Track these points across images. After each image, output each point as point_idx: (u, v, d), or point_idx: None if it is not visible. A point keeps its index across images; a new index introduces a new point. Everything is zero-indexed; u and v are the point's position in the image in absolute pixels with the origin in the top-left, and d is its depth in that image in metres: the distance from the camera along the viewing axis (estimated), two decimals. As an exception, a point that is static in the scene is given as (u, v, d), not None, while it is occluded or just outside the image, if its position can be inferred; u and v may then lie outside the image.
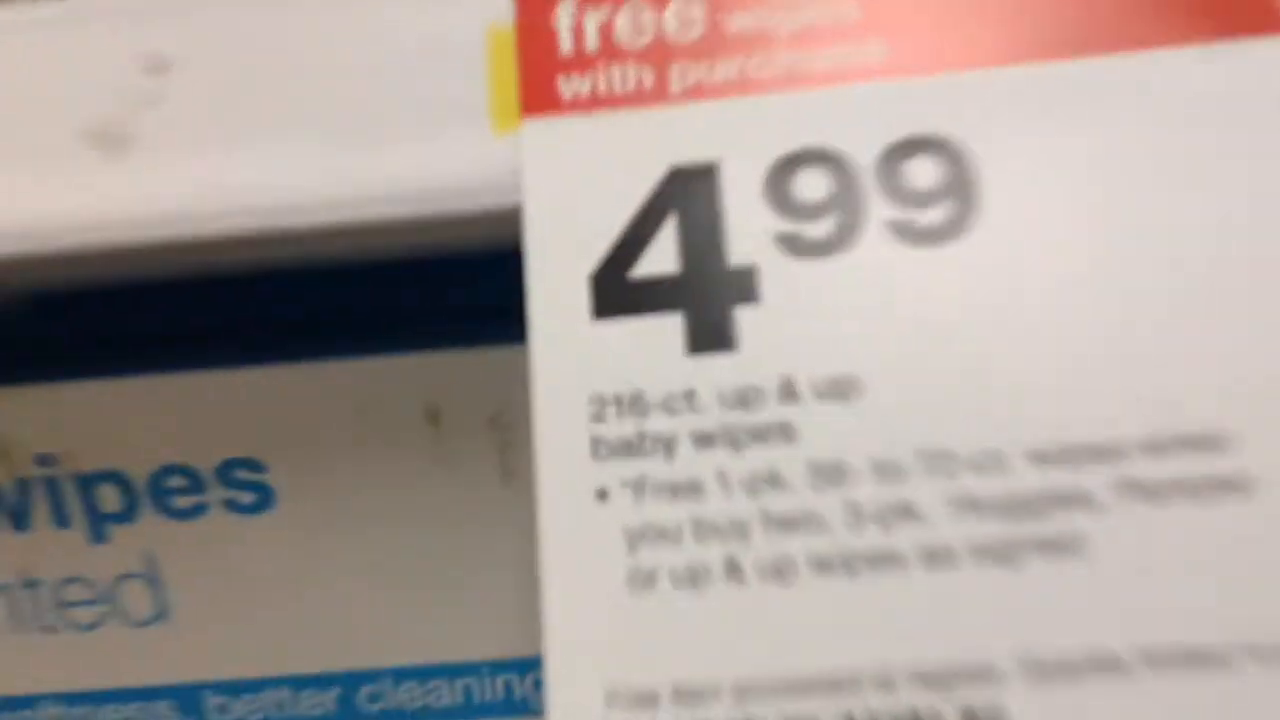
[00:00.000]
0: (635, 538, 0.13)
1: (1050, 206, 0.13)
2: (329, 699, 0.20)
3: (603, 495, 0.13)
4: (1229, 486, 0.12)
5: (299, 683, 0.20)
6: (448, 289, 0.18)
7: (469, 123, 0.15)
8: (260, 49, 0.15)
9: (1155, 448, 0.12)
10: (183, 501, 0.19)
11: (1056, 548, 0.12)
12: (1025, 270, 0.13)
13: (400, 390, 0.18)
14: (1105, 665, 0.12)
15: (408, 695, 0.20)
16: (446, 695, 0.20)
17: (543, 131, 0.14)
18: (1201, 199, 0.13)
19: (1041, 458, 0.12)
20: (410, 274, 0.18)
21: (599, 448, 0.13)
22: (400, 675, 0.20)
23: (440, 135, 0.15)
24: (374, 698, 0.20)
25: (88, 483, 0.19)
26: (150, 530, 0.19)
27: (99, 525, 0.19)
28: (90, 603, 0.20)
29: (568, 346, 0.13)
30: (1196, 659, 0.12)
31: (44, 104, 0.15)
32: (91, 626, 0.20)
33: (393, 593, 0.20)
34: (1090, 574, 0.12)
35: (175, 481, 0.19)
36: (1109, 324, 0.13)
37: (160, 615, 0.20)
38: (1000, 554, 0.12)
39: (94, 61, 0.15)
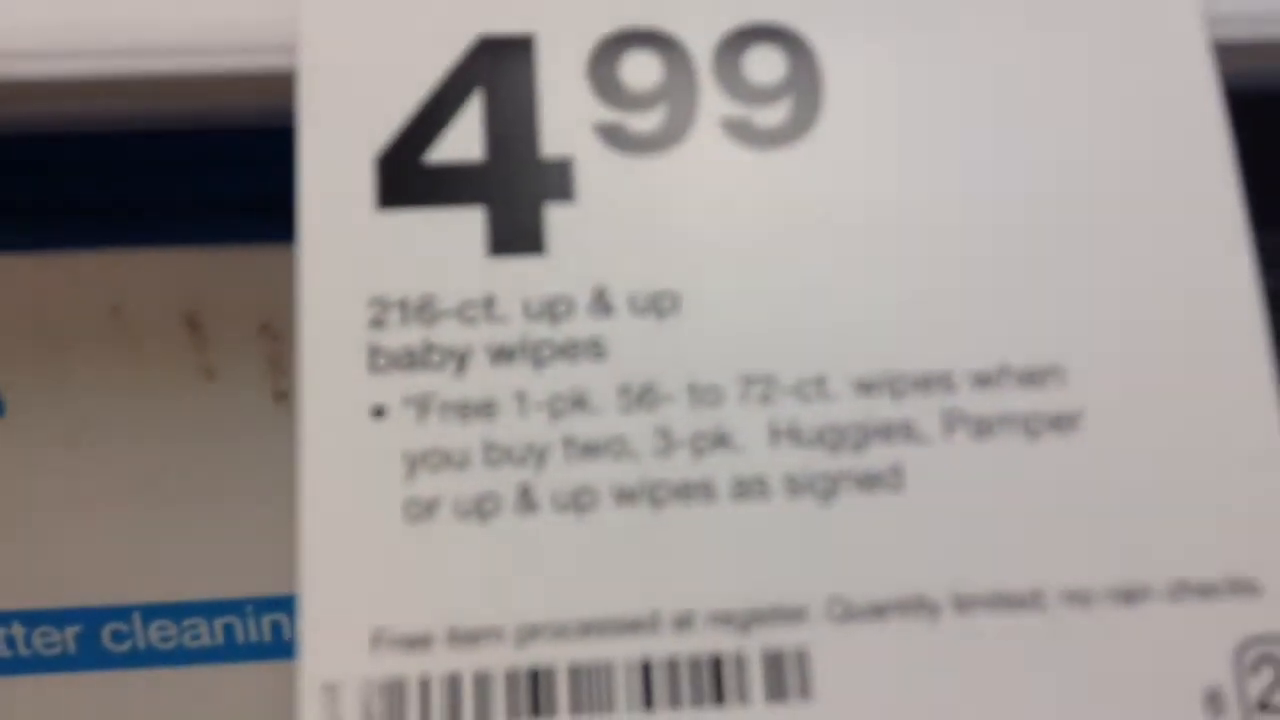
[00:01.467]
0: (415, 462, 0.11)
1: (895, 115, 0.12)
2: (67, 637, 0.18)
3: (379, 413, 0.11)
4: (1058, 422, 0.11)
5: (31, 618, 0.18)
6: (212, 175, 0.15)
7: (240, -34, 0.12)
8: None
9: (985, 380, 0.11)
10: (-112, 407, 0.16)
11: (875, 482, 0.11)
12: (866, 185, 0.12)
13: (154, 289, 0.16)
14: (915, 607, 0.11)
15: (159, 634, 0.18)
16: (205, 635, 0.18)
17: (329, -15, 0.12)
18: (1046, 122, 0.12)
19: (866, 386, 0.11)
20: (167, 155, 0.15)
21: (377, 358, 0.11)
22: (151, 613, 0.18)
23: (204, -21, 0.12)
24: (119, 637, 0.18)
25: None
26: None
27: None
28: None
29: (345, 239, 0.11)
30: (1008, 602, 0.11)
31: None
32: None
33: (143, 521, 0.17)
34: (907, 512, 0.11)
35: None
36: (947, 248, 0.12)
37: None
38: (816, 487, 0.11)
39: None
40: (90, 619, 0.18)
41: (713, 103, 0.12)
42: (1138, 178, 0.12)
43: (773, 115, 0.12)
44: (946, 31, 0.12)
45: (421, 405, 0.11)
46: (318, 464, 0.11)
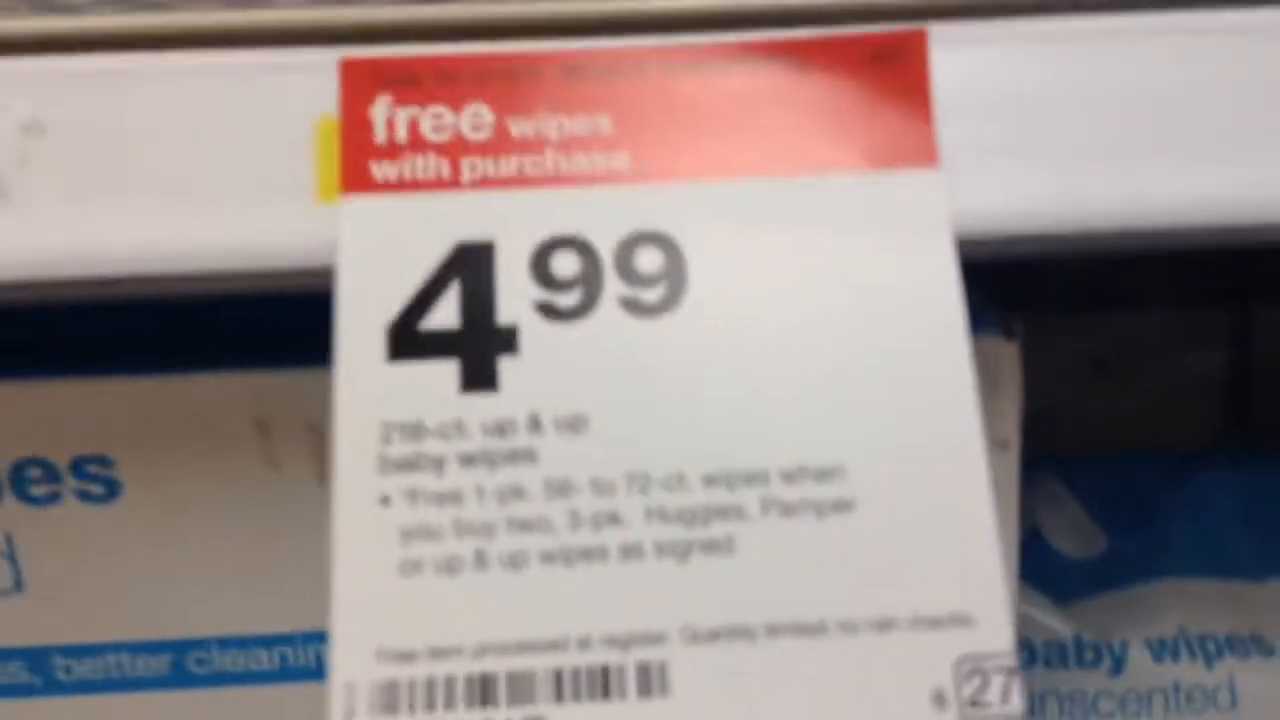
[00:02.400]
0: (408, 535, 0.17)
1: (738, 291, 0.18)
2: (163, 662, 0.23)
3: (385, 501, 0.17)
4: (838, 506, 0.17)
5: (136, 648, 0.23)
6: (277, 319, 0.21)
7: (297, 196, 0.18)
8: (125, 122, 0.18)
9: (790, 476, 0.17)
10: (38, 490, 0.22)
11: (715, 547, 0.16)
12: (715, 339, 0.17)
13: (234, 403, 0.22)
14: (741, 633, 0.16)
15: (230, 660, 0.23)
16: (265, 661, 0.23)
17: (357, 206, 0.18)
18: (849, 290, 0.17)
19: (711, 480, 0.17)
20: (248, 308, 0.21)
21: (385, 464, 0.17)
22: (225, 643, 0.23)
23: (272, 204, 0.18)
24: (201, 662, 0.23)
25: (-46, 471, 0.22)
26: (9, 514, 0.22)
27: (-38, 508, 0.22)
28: (-49, 574, 0.22)
29: (365, 382, 0.17)
30: (803, 630, 0.16)
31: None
32: (-48, 595, 0.22)
33: (220, 572, 0.23)
34: (738, 568, 0.16)
35: (33, 473, 0.22)
36: (769, 381, 0.17)
37: (16, 587, 0.23)
38: (675, 550, 0.16)
39: (-21, 121, 0.18)
40: (179, 648, 0.23)
41: (613, 286, 0.18)
42: (894, 335, 0.17)
43: (654, 294, 0.18)
44: (775, 233, 0.18)
45: (413, 496, 0.17)
46: (344, 537, 0.16)
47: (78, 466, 0.22)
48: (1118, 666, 0.30)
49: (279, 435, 0.22)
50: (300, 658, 0.23)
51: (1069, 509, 0.33)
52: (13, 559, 0.23)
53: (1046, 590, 0.31)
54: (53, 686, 0.23)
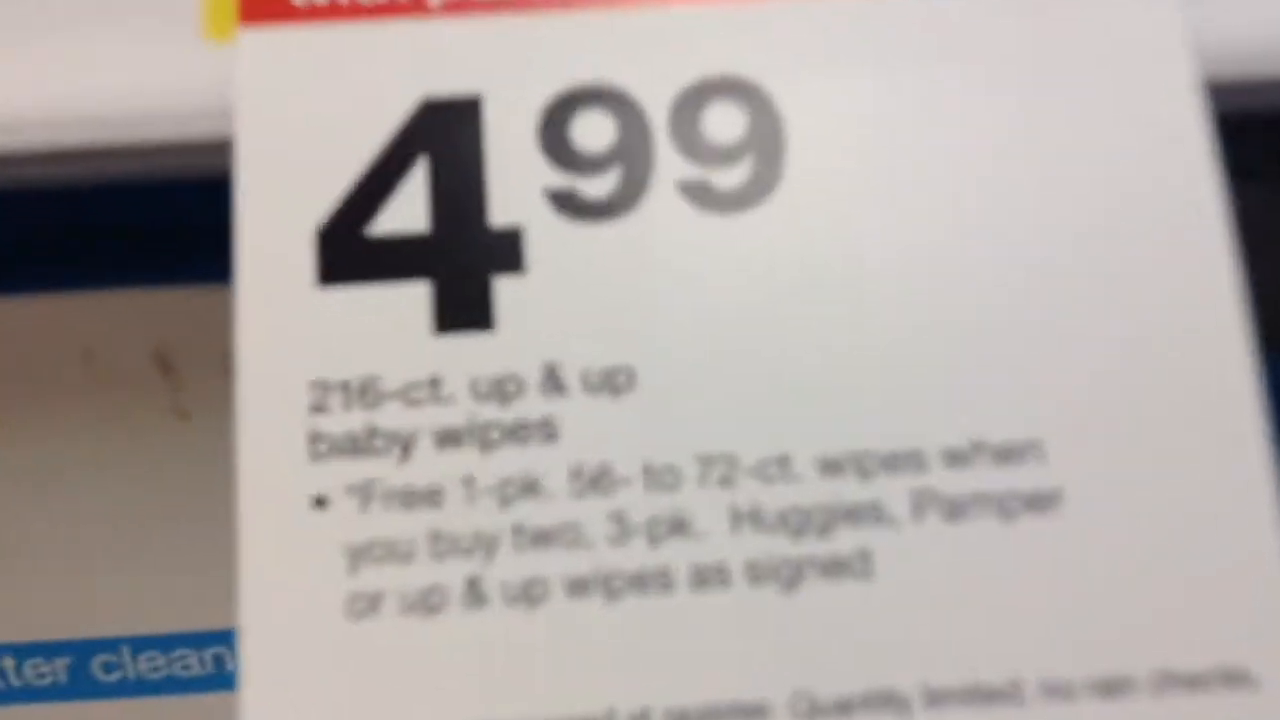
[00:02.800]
0: (358, 555, 0.11)
1: (864, 172, 0.11)
2: (59, 668, 0.18)
3: (320, 502, 0.11)
4: (1035, 502, 0.11)
5: (24, 651, 0.18)
6: (177, 213, 0.15)
7: (173, 28, 0.12)
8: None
9: (958, 457, 0.11)
10: None
11: (841, 569, 0.11)
12: (831, 250, 0.11)
13: (124, 331, 0.16)
14: (884, 702, 0.10)
15: (148, 665, 0.18)
16: (195, 665, 0.18)
17: (264, 43, 0.12)
18: (1028, 183, 0.11)
19: (832, 466, 0.11)
20: (130, 200, 0.15)
21: (318, 445, 0.11)
22: (139, 644, 0.18)
23: (138, 41, 0.12)
24: (110, 668, 0.18)
25: None
26: None
27: None
28: None
29: (284, 318, 0.11)
30: (983, 696, 0.10)
31: None
32: None
33: (126, 556, 0.17)
34: (877, 600, 0.11)
35: None
36: (919, 316, 0.11)
37: None
38: (779, 574, 0.11)
39: None
40: (80, 650, 0.18)
41: (669, 164, 0.11)
42: (1126, 244, 0.11)
43: (733, 176, 0.11)
44: (920, 81, 0.11)
45: (364, 494, 0.11)
46: (257, 558, 0.11)
47: (-82, 420, 0.16)
48: None
49: (189, 377, 0.16)
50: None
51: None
52: None
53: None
54: (-87, 701, 0.18)
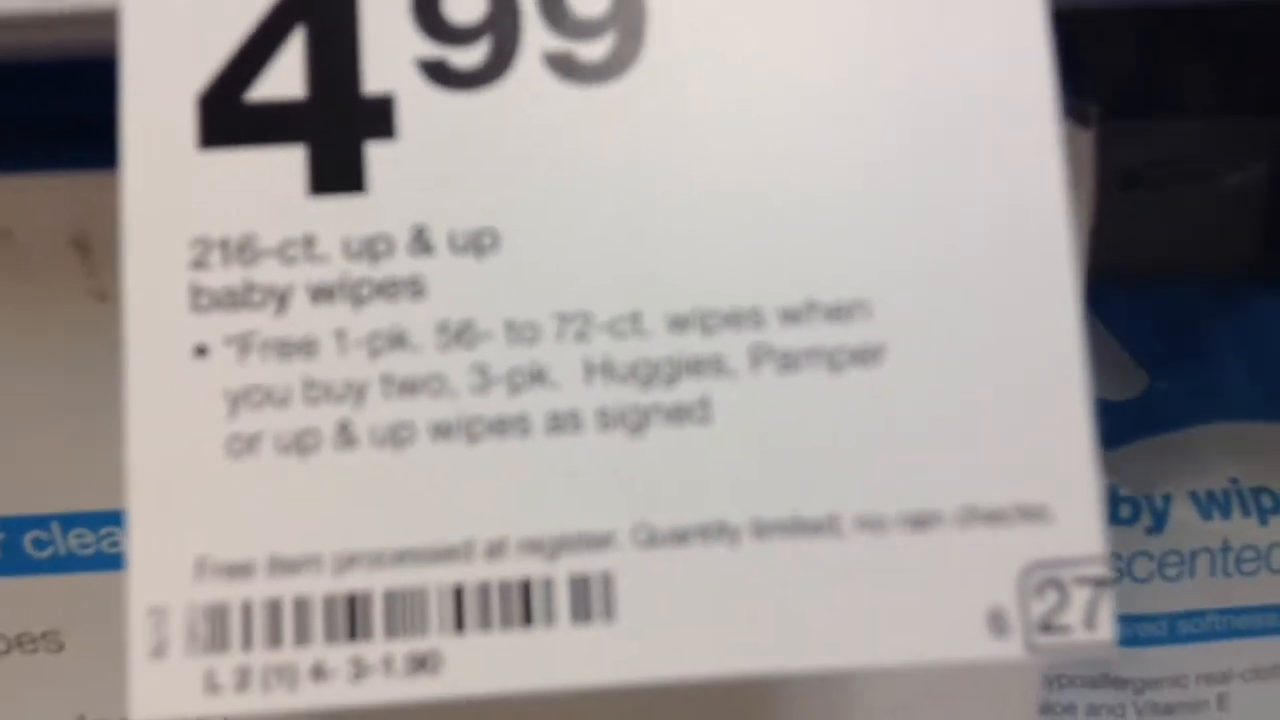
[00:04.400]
0: (237, 399, 0.11)
1: (719, 47, 0.12)
2: (-9, 544, 0.19)
3: (201, 351, 0.11)
4: (860, 356, 0.11)
5: (-44, 527, 0.19)
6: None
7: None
8: None
9: (793, 316, 0.12)
10: None
11: (684, 415, 0.11)
12: (684, 118, 0.12)
13: (43, 214, 0.16)
14: (716, 533, 0.11)
15: (78, 541, 0.19)
16: (124, 542, 0.19)
17: (151, -82, 0.12)
18: (871, 49, 0.12)
19: (679, 322, 0.12)
20: (41, 81, 0.16)
21: (199, 298, 0.12)
22: (69, 521, 0.19)
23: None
24: (41, 544, 0.19)
25: None
26: None
27: None
28: None
29: (167, 179, 0.12)
30: (805, 527, 0.11)
31: None
32: None
33: (52, 435, 0.18)
34: (713, 443, 0.11)
35: None
36: (760, 186, 0.12)
37: None
38: (627, 420, 0.11)
39: None
40: (12, 527, 0.19)
41: (536, 36, 0.12)
42: (955, 129, 0.12)
43: (597, 49, 0.12)
44: (771, -40, 0.12)
45: (243, 344, 0.12)
46: (143, 402, 0.11)
47: None
48: (1159, 523, 0.25)
49: (108, 258, 0.17)
50: (164, 538, 0.19)
51: (1104, 345, 0.28)
52: None
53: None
54: None
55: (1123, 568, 0.26)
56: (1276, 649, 0.26)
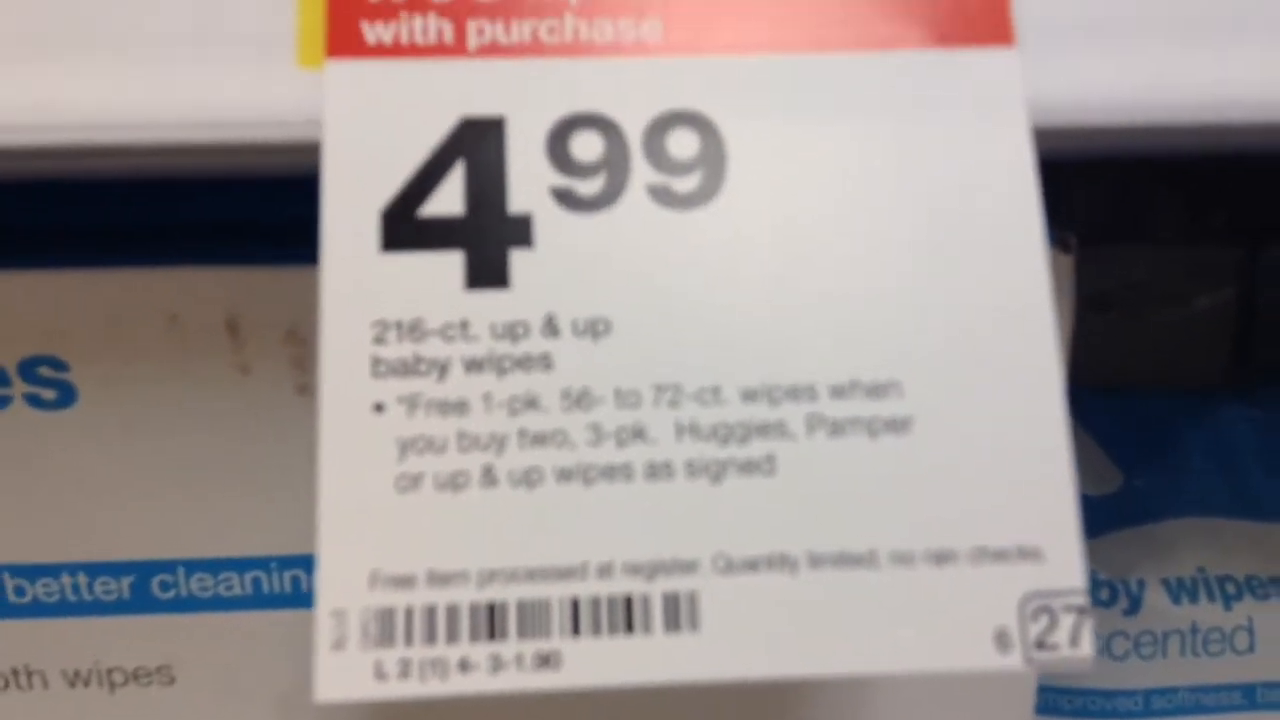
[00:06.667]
0: (405, 446, 0.15)
1: (784, 183, 0.15)
2: (123, 585, 0.21)
3: (379, 408, 0.15)
4: (893, 425, 0.15)
5: (94, 569, 0.21)
6: (251, 207, 0.19)
7: (275, 57, 0.16)
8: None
9: (840, 392, 0.15)
10: (-18, 393, 0.20)
11: (754, 468, 0.15)
12: (756, 236, 0.15)
13: (201, 300, 0.20)
14: (780, 563, 0.14)
15: (198, 585, 0.21)
16: (236, 586, 0.22)
17: (345, 72, 0.16)
18: (910, 182, 0.15)
19: (750, 394, 0.15)
20: (215, 191, 0.19)
21: (379, 366, 0.15)
22: (192, 566, 0.21)
23: (247, 66, 0.16)
24: (166, 586, 0.21)
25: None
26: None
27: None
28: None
29: (356, 274, 0.15)
30: (850, 560, 0.14)
31: None
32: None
33: (186, 489, 0.21)
34: (777, 491, 0.14)
35: (-24, 373, 0.20)
36: (816, 286, 0.15)
37: (-44, 500, 0.20)
38: (709, 471, 0.15)
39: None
40: (142, 570, 0.21)
41: (641, 173, 0.15)
42: (960, 235, 0.15)
43: (688, 183, 0.15)
44: (827, 122, 0.16)
45: (411, 403, 0.15)
46: (332, 446, 0.14)
47: (27, 368, 0.20)
48: (1134, 606, 0.28)
49: (252, 339, 0.20)
50: (275, 583, 0.22)
51: (1084, 445, 0.31)
52: (-45, 469, 0.20)
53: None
54: (3, 609, 0.21)
55: (1102, 646, 0.28)
56: (1243, 725, 0.29)
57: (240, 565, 0.21)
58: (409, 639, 0.14)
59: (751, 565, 0.14)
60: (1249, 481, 0.30)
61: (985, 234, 0.15)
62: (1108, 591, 0.28)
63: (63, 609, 0.22)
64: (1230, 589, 0.28)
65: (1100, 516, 0.30)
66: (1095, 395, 0.34)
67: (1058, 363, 0.15)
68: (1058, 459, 0.15)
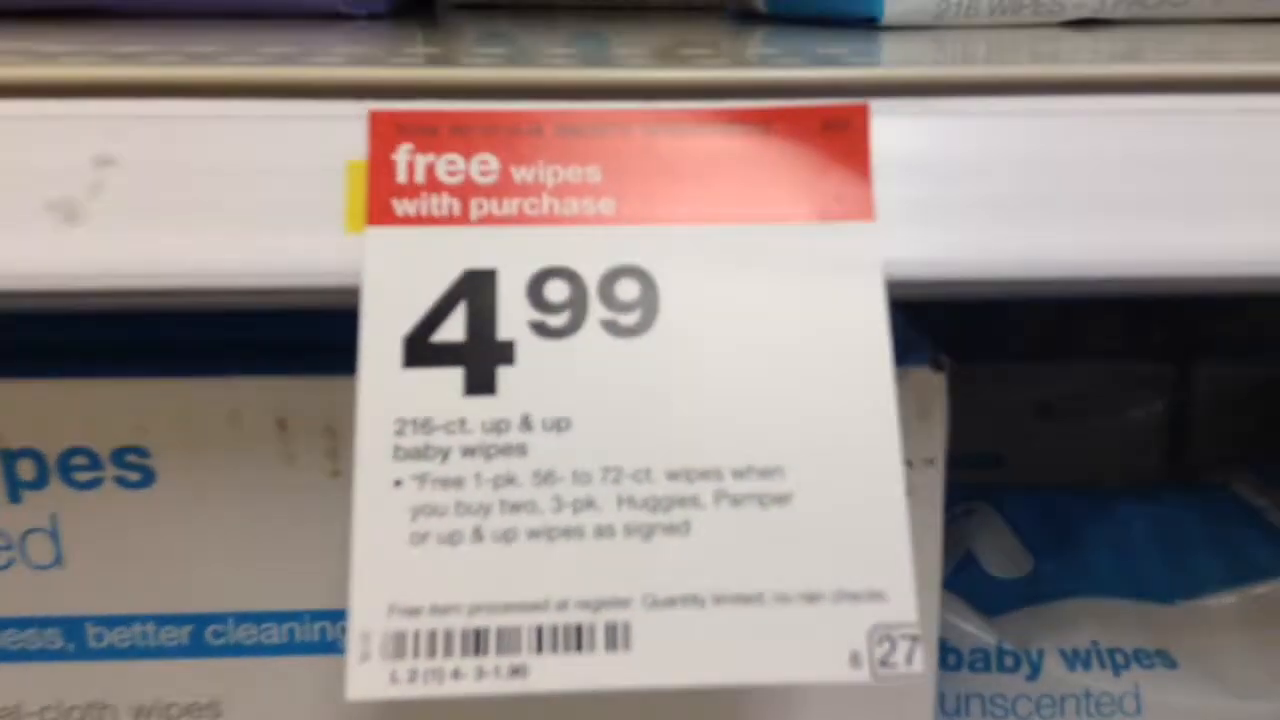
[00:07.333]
0: (416, 512, 0.20)
1: (702, 320, 0.21)
2: (183, 633, 0.26)
3: (398, 483, 0.20)
4: (778, 500, 0.20)
5: (161, 619, 0.26)
6: (299, 332, 0.24)
7: (329, 226, 0.21)
8: (185, 158, 0.22)
9: (739, 473, 0.20)
10: (81, 476, 0.25)
11: (674, 530, 0.20)
12: (681, 356, 0.21)
13: (258, 403, 0.25)
14: (693, 601, 0.19)
15: (244, 633, 0.26)
16: (275, 635, 0.26)
17: (381, 236, 0.21)
18: (793, 320, 0.21)
19: (673, 474, 0.20)
20: (276, 319, 0.25)
21: (398, 452, 0.20)
22: (240, 618, 0.26)
23: (308, 233, 0.21)
24: (218, 634, 0.26)
25: (10, 457, 0.25)
26: (55, 497, 0.25)
27: (15, 489, 0.25)
28: (2, 549, 0.25)
29: (383, 384, 0.20)
30: (745, 599, 0.19)
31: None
32: (1, 568, 0.25)
33: (238, 554, 0.26)
34: (693, 548, 0.20)
35: (78, 460, 0.25)
36: (725, 394, 0.20)
37: (57, 562, 0.26)
38: (641, 532, 0.20)
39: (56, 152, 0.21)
40: (199, 620, 0.26)
41: (596, 310, 0.21)
42: (830, 358, 0.21)
43: (630, 318, 0.21)
44: (735, 270, 0.21)
45: (421, 480, 0.20)
46: (363, 513, 0.20)
47: (118, 456, 0.25)
48: (1035, 672, 0.33)
49: (297, 434, 0.25)
50: (307, 633, 0.26)
51: (1001, 535, 0.36)
52: (56, 536, 0.25)
53: (976, 604, 0.34)
54: (84, 652, 0.26)
55: (1009, 707, 0.33)
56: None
57: (279, 617, 0.26)
58: (415, 653, 0.19)
59: (671, 602, 0.19)
60: (1139, 567, 0.35)
61: (848, 359, 0.21)
62: (1012, 660, 0.33)
63: (133, 653, 0.26)
64: (1119, 659, 0.33)
65: (1011, 596, 0.35)
66: (1018, 494, 0.39)
67: (897, 453, 0.20)
68: (897, 524, 0.20)
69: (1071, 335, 0.58)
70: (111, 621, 0.26)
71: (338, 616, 0.26)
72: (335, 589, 0.26)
